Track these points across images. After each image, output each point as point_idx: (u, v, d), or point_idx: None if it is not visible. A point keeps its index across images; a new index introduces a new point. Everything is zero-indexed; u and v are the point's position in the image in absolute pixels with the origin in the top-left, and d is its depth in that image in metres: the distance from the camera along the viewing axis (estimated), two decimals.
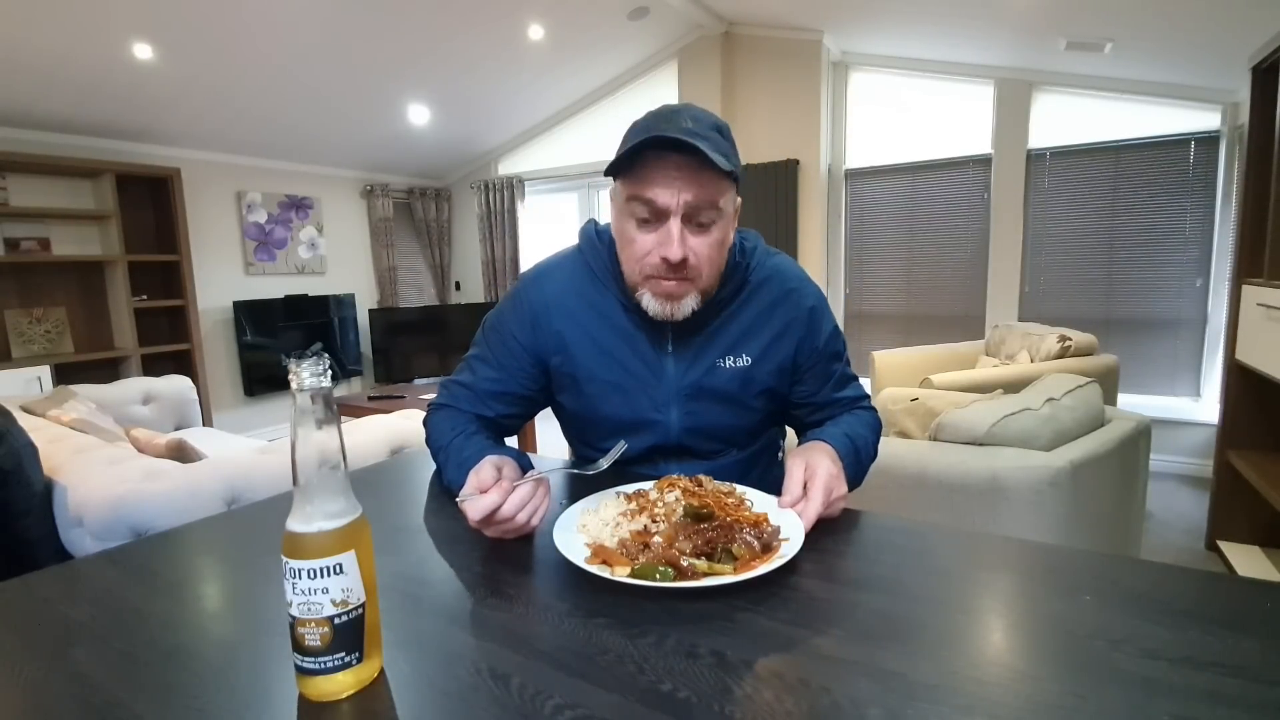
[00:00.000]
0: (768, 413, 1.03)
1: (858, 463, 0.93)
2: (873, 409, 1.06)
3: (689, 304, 0.88)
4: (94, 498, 1.42)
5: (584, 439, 1.06)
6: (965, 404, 1.88)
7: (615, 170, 0.84)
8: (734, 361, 0.96)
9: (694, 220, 0.84)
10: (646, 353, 0.96)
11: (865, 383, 1.98)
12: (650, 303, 0.89)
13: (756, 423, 1.03)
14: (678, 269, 0.84)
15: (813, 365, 1.01)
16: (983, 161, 3.99)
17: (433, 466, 1.09)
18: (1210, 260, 3.49)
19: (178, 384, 3.53)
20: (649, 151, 0.81)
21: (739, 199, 0.91)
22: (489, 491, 0.72)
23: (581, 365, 0.97)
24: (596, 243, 0.99)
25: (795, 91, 4.20)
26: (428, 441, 1.00)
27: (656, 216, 0.84)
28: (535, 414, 1.07)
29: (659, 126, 0.81)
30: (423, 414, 2.08)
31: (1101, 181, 3.70)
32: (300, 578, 0.47)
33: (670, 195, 0.81)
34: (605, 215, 1.05)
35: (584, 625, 0.58)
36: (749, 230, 1.02)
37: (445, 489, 0.93)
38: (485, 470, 0.76)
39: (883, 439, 1.05)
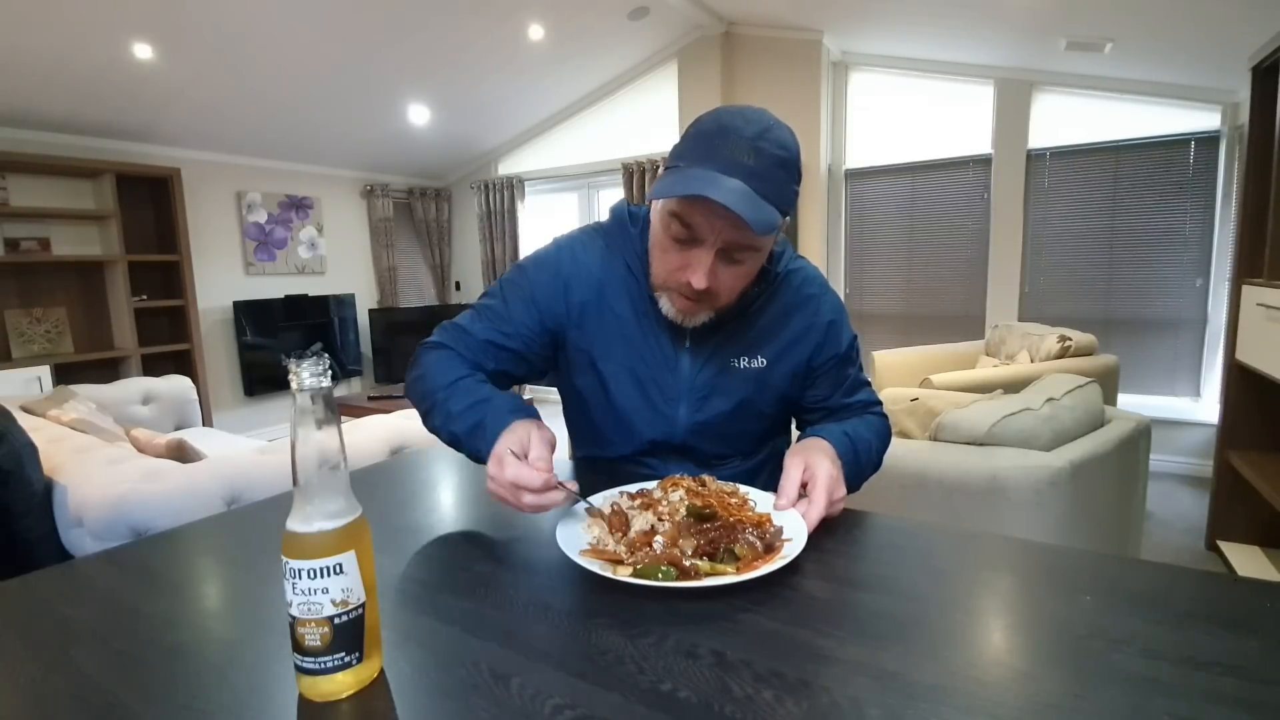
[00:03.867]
0: (776, 417, 1.02)
1: (856, 464, 0.91)
2: (884, 416, 1.04)
3: (702, 316, 0.90)
4: (94, 498, 1.42)
5: (589, 428, 1.03)
6: (965, 404, 1.88)
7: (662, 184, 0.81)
8: (749, 363, 0.96)
9: (729, 254, 0.82)
10: (665, 344, 0.95)
11: None
12: (667, 306, 0.90)
13: (764, 427, 1.02)
14: (700, 293, 0.84)
15: (825, 372, 1.00)
16: (983, 161, 3.99)
17: (433, 466, 1.09)
18: (1210, 260, 3.49)
19: (178, 384, 3.54)
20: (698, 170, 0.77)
21: (788, 218, 0.86)
22: (538, 470, 0.70)
23: (599, 343, 0.96)
24: (629, 227, 0.97)
25: (795, 91, 4.20)
26: (418, 380, 0.93)
27: (692, 241, 0.82)
28: (526, 383, 1.04)
29: (716, 162, 0.77)
30: None
31: (1101, 181, 3.70)
32: (300, 578, 0.47)
33: (709, 229, 0.80)
34: (612, 201, 1.05)
35: (584, 625, 0.58)
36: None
37: (437, 429, 0.89)
38: (540, 446, 0.74)
39: None
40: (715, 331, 0.94)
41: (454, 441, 0.87)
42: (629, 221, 0.97)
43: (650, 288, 0.92)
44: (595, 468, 1.04)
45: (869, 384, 1.06)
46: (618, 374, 0.96)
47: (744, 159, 0.76)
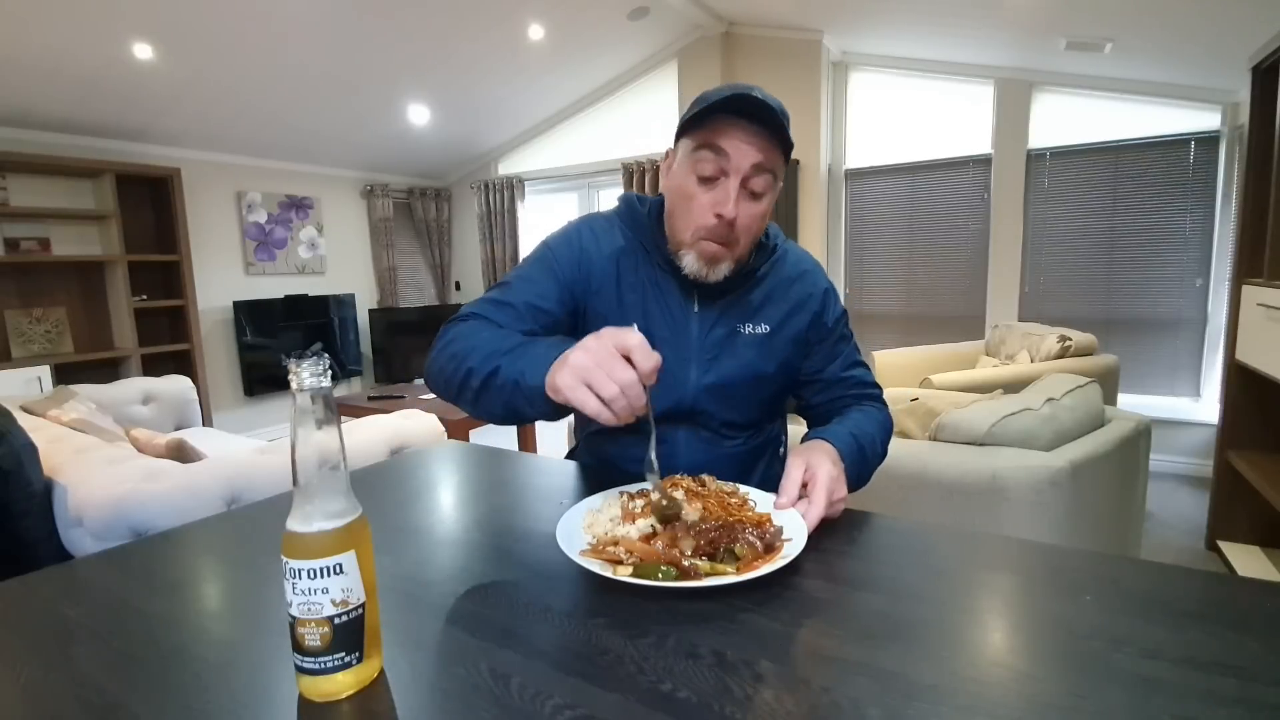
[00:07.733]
0: (780, 385, 1.06)
1: (862, 462, 0.93)
2: (883, 406, 1.08)
3: (724, 268, 0.94)
4: (94, 498, 1.42)
5: None
6: (965, 404, 1.88)
7: (688, 126, 0.89)
8: (754, 329, 1.01)
9: (749, 187, 0.89)
10: (675, 308, 1.00)
11: None
12: (691, 262, 0.93)
13: (770, 394, 1.05)
14: (727, 230, 0.89)
15: (821, 340, 1.06)
16: (983, 161, 3.99)
17: (433, 466, 1.09)
18: (1210, 260, 3.49)
19: (178, 384, 3.53)
20: (722, 114, 0.87)
21: (780, 182, 0.94)
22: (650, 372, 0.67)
23: (615, 309, 1.01)
24: (638, 207, 1.04)
25: (795, 91, 4.19)
26: (458, 351, 0.86)
27: (719, 173, 0.88)
28: None
29: (738, 91, 0.86)
30: (423, 413, 2.08)
31: (1101, 181, 3.70)
32: (300, 578, 0.47)
33: (738, 152, 0.87)
34: (613, 200, 1.11)
35: (584, 625, 0.58)
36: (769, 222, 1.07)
37: (507, 387, 0.78)
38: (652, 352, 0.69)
39: None
40: (721, 297, 1.00)
41: (514, 385, 0.77)
42: (637, 203, 1.05)
43: (665, 259, 0.98)
44: (602, 452, 1.07)
45: (865, 365, 1.10)
46: None
47: (757, 96, 0.85)
